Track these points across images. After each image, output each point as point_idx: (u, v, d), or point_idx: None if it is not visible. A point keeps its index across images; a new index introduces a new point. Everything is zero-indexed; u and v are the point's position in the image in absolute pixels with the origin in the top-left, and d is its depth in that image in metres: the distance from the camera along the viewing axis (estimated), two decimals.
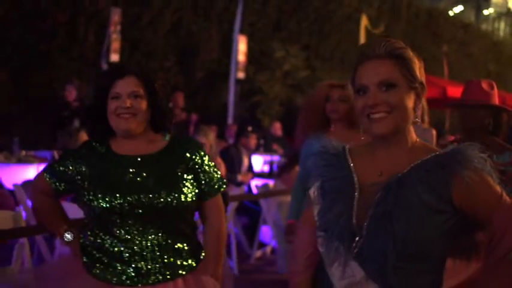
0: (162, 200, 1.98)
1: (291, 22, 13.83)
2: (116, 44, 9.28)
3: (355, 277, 1.53)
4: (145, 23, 10.73)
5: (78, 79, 8.75)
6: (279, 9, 13.52)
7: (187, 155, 2.09)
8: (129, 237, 1.98)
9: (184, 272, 2.04)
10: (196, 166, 2.09)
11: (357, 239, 1.53)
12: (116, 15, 9.34)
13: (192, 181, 2.06)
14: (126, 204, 1.96)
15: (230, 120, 11.45)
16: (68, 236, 2.16)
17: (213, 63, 12.10)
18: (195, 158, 2.10)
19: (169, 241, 2.01)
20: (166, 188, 2.00)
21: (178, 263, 2.03)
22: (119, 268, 1.99)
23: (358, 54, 1.60)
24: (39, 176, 2.21)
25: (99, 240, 2.03)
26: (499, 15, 33.32)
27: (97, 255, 2.03)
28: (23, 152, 7.00)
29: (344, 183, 1.60)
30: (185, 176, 2.05)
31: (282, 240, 5.23)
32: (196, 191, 2.08)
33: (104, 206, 1.97)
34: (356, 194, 1.56)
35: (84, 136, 5.19)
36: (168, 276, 2.01)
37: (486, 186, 1.51)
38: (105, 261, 2.01)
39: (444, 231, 1.50)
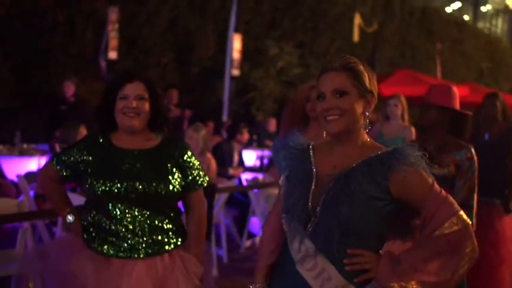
0: (153, 187, 2.35)
1: (285, 20, 14.03)
2: (113, 42, 9.56)
3: (308, 251, 1.85)
4: (142, 21, 10.98)
5: (76, 76, 9.00)
6: (273, 7, 13.72)
7: (177, 153, 2.46)
8: (123, 217, 2.34)
9: (170, 248, 2.40)
10: (184, 163, 2.46)
11: (312, 219, 1.85)
12: (113, 14, 9.62)
13: (179, 175, 2.43)
14: (122, 189, 2.32)
15: (225, 117, 11.70)
16: (70, 218, 2.50)
17: (209, 60, 12.35)
18: (183, 156, 2.46)
19: (157, 222, 2.37)
20: (157, 178, 2.36)
21: (165, 240, 2.39)
22: (115, 243, 2.34)
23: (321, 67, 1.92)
24: (47, 164, 2.56)
25: (97, 220, 2.38)
26: (496, 12, 33.41)
27: (95, 233, 2.38)
28: (24, 145, 7.28)
29: (305, 174, 1.92)
30: (174, 170, 2.42)
31: None
32: (183, 183, 2.45)
33: (104, 189, 2.32)
34: (313, 183, 1.88)
35: (83, 130, 5.49)
36: (157, 251, 2.36)
37: (419, 178, 1.81)
38: (103, 237, 2.36)
39: (382, 215, 1.81)
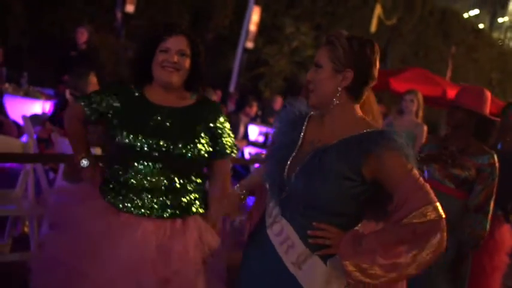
0: (177, 148, 2.22)
1: (305, 0, 13.88)
2: None
3: (277, 217, 1.91)
4: None
5: (90, 23, 8.84)
6: None
7: (209, 116, 2.32)
8: (142, 173, 2.22)
9: (185, 214, 2.28)
10: (215, 128, 2.32)
11: (286, 187, 1.87)
12: None
13: (207, 140, 2.30)
14: (146, 145, 2.20)
15: (232, 88, 11.60)
16: (84, 162, 2.39)
17: (224, 29, 12.18)
18: (215, 121, 2.33)
19: (177, 185, 2.26)
20: (184, 140, 2.23)
21: (182, 205, 2.27)
22: (129, 198, 2.23)
23: None
24: (75, 102, 2.44)
25: (116, 173, 2.27)
26: None
27: (112, 185, 2.28)
28: (30, 87, 7.16)
29: (291, 141, 1.93)
30: (203, 134, 2.28)
31: None
32: (210, 149, 2.31)
33: (127, 142, 2.20)
34: (294, 151, 1.90)
35: (94, 78, 5.37)
36: (170, 215, 2.25)
37: (396, 161, 1.76)
38: (118, 190, 2.26)
39: (351, 195, 1.80)
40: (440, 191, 3.11)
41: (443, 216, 1.75)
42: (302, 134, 1.94)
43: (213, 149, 2.33)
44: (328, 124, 1.90)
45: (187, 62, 2.27)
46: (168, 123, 2.26)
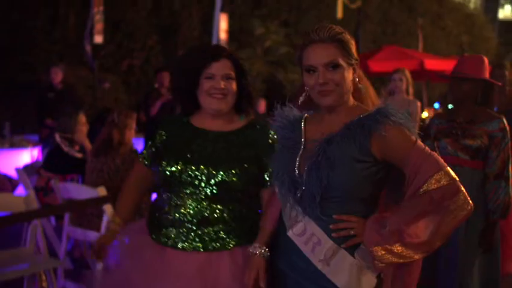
0: (224, 175, 2.07)
1: None
2: (99, 25, 9.20)
3: (298, 217, 1.88)
4: (127, 3, 10.65)
5: (61, 61, 8.70)
6: None
7: (259, 140, 2.17)
8: (186, 204, 2.10)
9: (232, 246, 2.11)
10: (265, 153, 2.14)
11: (300, 185, 1.85)
12: None
13: (255, 166, 2.13)
14: (187, 173, 2.08)
15: None
16: (111, 226, 2.30)
17: (195, 41, 12.09)
18: (263, 147, 2.16)
19: (225, 214, 2.10)
20: (231, 166, 2.08)
21: (229, 236, 2.11)
22: (174, 232, 2.10)
23: (304, 37, 1.89)
24: (136, 164, 2.38)
25: (161, 206, 2.16)
26: None
27: (157, 219, 2.16)
28: (14, 137, 7.00)
29: (293, 142, 1.93)
30: (250, 159, 2.13)
31: None
32: (257, 176, 2.14)
33: (170, 170, 2.10)
34: (300, 150, 1.90)
35: (82, 117, 5.25)
36: (217, 247, 2.09)
37: (400, 135, 1.78)
38: (163, 224, 2.13)
39: (366, 177, 1.79)
40: (456, 165, 3.07)
41: (457, 178, 1.74)
42: (303, 134, 1.93)
43: (261, 176, 2.16)
44: (328, 117, 1.90)
45: (234, 85, 2.15)
46: (213, 148, 2.14)
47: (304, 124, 1.96)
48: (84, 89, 9.45)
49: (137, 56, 10.96)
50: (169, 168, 2.11)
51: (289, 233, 1.89)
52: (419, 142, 1.78)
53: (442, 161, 1.76)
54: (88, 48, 9.30)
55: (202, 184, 2.09)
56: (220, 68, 2.13)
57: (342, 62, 1.84)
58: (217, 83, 2.11)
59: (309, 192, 1.83)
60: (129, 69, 10.85)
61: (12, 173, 5.52)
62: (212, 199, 2.10)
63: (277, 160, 1.96)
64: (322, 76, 1.83)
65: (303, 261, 1.86)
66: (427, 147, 1.78)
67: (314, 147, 1.85)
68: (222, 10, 11.43)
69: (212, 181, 2.09)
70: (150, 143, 2.29)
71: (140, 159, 2.33)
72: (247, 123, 2.22)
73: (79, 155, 5.01)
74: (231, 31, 11.93)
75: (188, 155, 2.12)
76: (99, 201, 3.68)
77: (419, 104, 5.88)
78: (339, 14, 15.29)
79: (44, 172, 4.91)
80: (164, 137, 2.24)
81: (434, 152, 1.78)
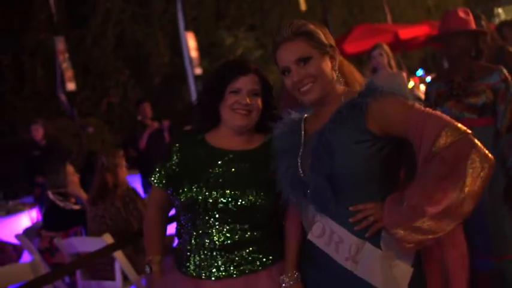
0: (247, 198, 1.93)
1: (231, 7, 13.76)
2: (69, 73, 9.05)
3: (314, 217, 1.79)
4: (90, 44, 10.52)
5: (37, 116, 8.54)
6: None
7: None
8: (211, 232, 1.95)
9: (266, 265, 1.97)
10: None
11: (307, 185, 1.76)
12: (60, 44, 9.08)
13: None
14: (210, 198, 1.93)
15: None
16: (147, 269, 2.12)
17: (167, 66, 11.98)
18: None
19: (252, 238, 1.96)
20: (253, 187, 1.94)
21: (259, 259, 1.97)
22: (202, 262, 1.96)
23: (272, 40, 1.84)
24: (152, 189, 2.18)
25: (184, 237, 2.01)
26: None
27: (182, 251, 2.02)
28: (10, 203, 6.84)
29: (293, 144, 1.85)
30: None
31: None
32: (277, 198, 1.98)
33: (188, 196, 1.95)
34: (300, 151, 1.81)
35: (70, 168, 5.08)
36: (251, 269, 1.96)
37: (394, 104, 1.67)
38: (189, 255, 1.99)
39: (371, 155, 1.68)
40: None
41: (468, 131, 1.59)
42: (303, 134, 1.86)
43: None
44: (322, 112, 1.82)
45: (259, 102, 2.03)
46: (234, 169, 1.98)
47: (304, 124, 1.88)
48: (69, 139, 9.27)
49: (114, 93, 10.81)
50: (190, 194, 1.95)
51: (310, 236, 1.80)
52: (417, 105, 1.66)
53: (446, 116, 1.62)
54: (63, 97, 9.14)
55: (230, 208, 1.93)
56: (247, 82, 2.01)
57: (312, 53, 1.77)
58: (243, 98, 1.99)
59: (317, 188, 1.73)
60: (109, 109, 10.69)
61: (14, 241, 5.35)
62: (241, 222, 1.95)
63: (280, 167, 1.86)
64: (296, 74, 1.77)
65: (331, 265, 1.74)
66: (427, 108, 1.65)
67: (311, 143, 1.78)
68: (187, 29, 11.34)
69: (240, 204, 1.94)
70: (163, 162, 2.10)
71: (155, 181, 2.12)
72: (267, 140, 2.05)
73: (76, 207, 4.84)
74: (200, 48, 11.84)
75: (210, 178, 1.96)
76: (108, 249, 3.54)
77: (405, 74, 5.77)
78: (302, 6, 15.25)
79: (45, 232, 4.73)
80: (177, 160, 2.06)
81: (435, 111, 1.64)
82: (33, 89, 9.57)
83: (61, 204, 4.79)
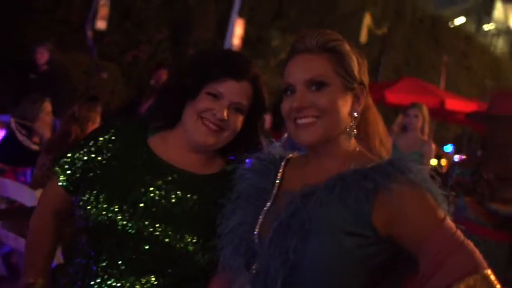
0: (184, 240, 1.37)
1: (291, 10, 13.30)
2: (103, 11, 8.59)
3: None
4: None
5: (59, 44, 8.11)
6: None
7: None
8: (118, 272, 1.37)
9: None
10: None
11: (257, 256, 1.28)
12: None
13: None
14: (132, 227, 1.36)
15: None
16: None
17: (206, 43, 11.50)
18: None
19: None
20: (195, 229, 1.40)
21: None
22: None
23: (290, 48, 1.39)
24: (49, 184, 1.62)
25: (80, 270, 1.45)
26: (498, 32, 33.27)
27: (72, 274, 1.46)
28: None
29: (260, 189, 1.38)
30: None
31: None
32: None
33: (101, 219, 1.37)
34: (269, 202, 1.34)
35: (47, 106, 4.61)
36: None
37: (421, 204, 1.19)
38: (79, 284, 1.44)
39: (361, 258, 1.20)
40: (474, 235, 2.36)
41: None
42: (278, 181, 1.39)
43: None
44: (314, 162, 1.38)
45: (239, 121, 1.52)
46: (174, 199, 1.42)
47: (285, 168, 1.43)
48: (79, 75, 8.84)
49: (143, 49, 10.35)
50: (105, 216, 1.36)
51: None
52: (448, 220, 1.20)
53: (480, 256, 1.18)
54: (89, 33, 8.69)
55: (156, 252, 1.35)
56: (234, 90, 1.50)
57: (332, 80, 1.33)
58: (220, 109, 1.48)
59: (268, 269, 1.25)
60: (133, 62, 10.24)
61: None
62: (163, 275, 1.37)
63: (231, 212, 1.37)
64: (299, 98, 1.33)
65: None
66: (458, 231, 1.20)
67: (285, 203, 1.30)
68: (240, 15, 10.89)
69: (171, 249, 1.36)
70: (81, 151, 1.50)
71: (60, 178, 1.52)
72: (230, 169, 1.53)
73: (35, 147, 4.36)
74: (247, 38, 11.39)
75: (140, 203, 1.38)
76: (29, 211, 3.06)
77: (433, 146, 5.24)
78: (363, 37, 14.73)
79: None
80: (109, 156, 1.47)
81: (469, 241, 1.19)
82: (64, 15, 9.14)
83: (20, 137, 4.32)
